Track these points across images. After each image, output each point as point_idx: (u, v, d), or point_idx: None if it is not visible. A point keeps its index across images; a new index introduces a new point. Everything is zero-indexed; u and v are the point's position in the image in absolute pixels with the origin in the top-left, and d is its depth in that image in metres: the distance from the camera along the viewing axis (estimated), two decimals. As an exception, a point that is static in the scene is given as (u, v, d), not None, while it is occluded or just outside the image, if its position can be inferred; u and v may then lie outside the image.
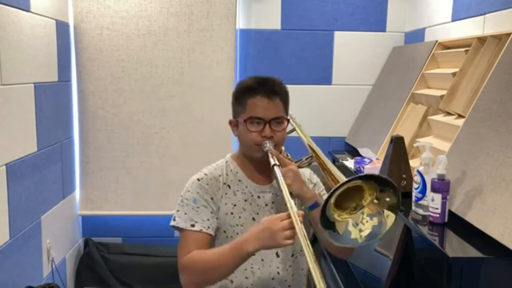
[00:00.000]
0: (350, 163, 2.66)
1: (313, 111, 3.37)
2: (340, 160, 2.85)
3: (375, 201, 1.29)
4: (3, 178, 2.17)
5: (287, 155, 1.72)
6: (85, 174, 3.24)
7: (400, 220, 1.88)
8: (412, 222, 1.75)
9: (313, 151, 1.65)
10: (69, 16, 3.06)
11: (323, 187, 1.72)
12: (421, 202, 1.78)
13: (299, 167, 1.66)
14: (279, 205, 1.62)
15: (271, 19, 3.30)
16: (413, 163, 2.13)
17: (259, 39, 3.31)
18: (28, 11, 2.43)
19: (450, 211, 1.68)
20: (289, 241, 1.30)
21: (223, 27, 3.16)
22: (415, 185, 1.81)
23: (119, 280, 3.20)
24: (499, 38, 2.00)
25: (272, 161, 1.52)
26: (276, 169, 1.50)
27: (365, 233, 1.28)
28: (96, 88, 3.16)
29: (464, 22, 2.42)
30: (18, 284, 2.31)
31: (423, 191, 1.77)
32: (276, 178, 1.49)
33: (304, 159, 1.70)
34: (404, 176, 2.01)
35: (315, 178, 1.74)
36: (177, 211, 1.56)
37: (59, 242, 2.89)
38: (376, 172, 2.21)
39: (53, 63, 2.79)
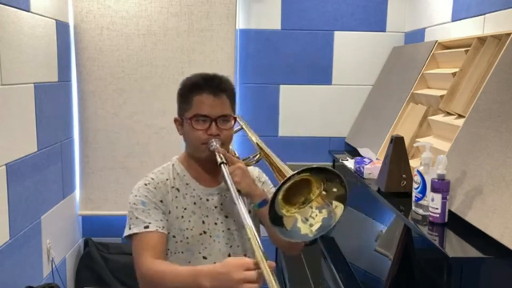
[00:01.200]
0: (350, 163, 2.66)
1: (313, 111, 3.37)
2: (340, 160, 2.85)
3: (324, 192, 1.27)
4: (3, 178, 2.17)
5: (235, 153, 1.72)
6: (85, 174, 3.24)
7: (400, 220, 1.88)
8: (412, 222, 1.75)
9: (261, 148, 1.63)
10: (69, 16, 3.06)
11: (272, 185, 1.71)
12: (421, 202, 1.78)
13: (247, 165, 1.63)
14: (227, 207, 1.59)
15: (271, 19, 3.30)
16: (413, 163, 2.13)
17: (259, 39, 3.31)
18: (28, 11, 2.43)
19: (450, 211, 1.68)
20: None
21: (223, 27, 3.16)
22: (415, 185, 1.81)
23: (119, 280, 3.20)
24: (499, 38, 2.00)
25: (219, 159, 1.49)
26: (223, 167, 1.47)
27: (316, 227, 1.26)
28: (96, 88, 3.16)
29: (464, 22, 2.42)
30: (18, 284, 2.31)
31: (423, 191, 1.77)
32: (224, 176, 1.46)
33: (251, 156, 1.68)
34: (404, 176, 2.01)
35: (264, 177, 1.72)
36: (130, 218, 1.51)
37: (59, 242, 2.89)
38: (376, 172, 2.21)
39: (53, 63, 2.79)
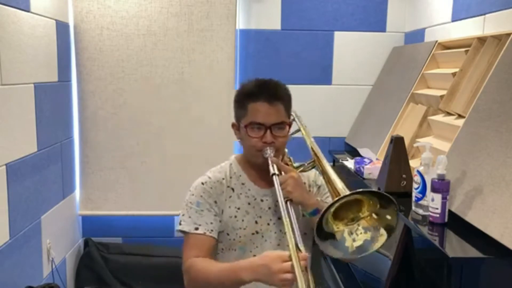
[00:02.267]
0: (350, 163, 2.66)
1: (313, 111, 3.37)
2: (340, 160, 2.85)
3: (375, 216, 1.28)
4: (3, 178, 2.17)
5: (290, 159, 1.70)
6: (85, 174, 3.24)
7: (400, 220, 1.88)
8: (412, 222, 1.75)
9: (316, 155, 1.63)
10: (69, 16, 3.06)
11: (326, 190, 1.69)
12: (421, 202, 1.78)
13: (302, 171, 1.64)
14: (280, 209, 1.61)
15: (271, 19, 3.30)
16: (413, 163, 2.13)
17: (259, 39, 3.31)
18: (28, 11, 2.43)
19: (450, 211, 1.68)
20: (286, 284, 1.27)
21: (223, 27, 3.16)
22: (415, 185, 1.81)
23: (119, 280, 3.20)
24: (499, 38, 2.00)
25: (271, 170, 1.51)
26: (275, 179, 1.49)
27: (357, 243, 1.28)
28: (96, 88, 3.16)
29: (464, 22, 2.42)
30: (18, 284, 2.31)
31: (423, 191, 1.77)
32: (276, 188, 1.48)
33: (306, 164, 1.68)
34: (404, 176, 2.01)
35: (320, 180, 1.72)
36: (182, 215, 1.57)
37: (59, 242, 2.89)
38: (376, 172, 2.21)
39: (53, 63, 2.79)
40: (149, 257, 3.24)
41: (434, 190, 1.67)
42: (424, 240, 1.71)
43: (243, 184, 1.61)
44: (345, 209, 1.28)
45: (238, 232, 1.57)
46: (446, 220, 1.67)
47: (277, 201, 1.57)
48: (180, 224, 1.56)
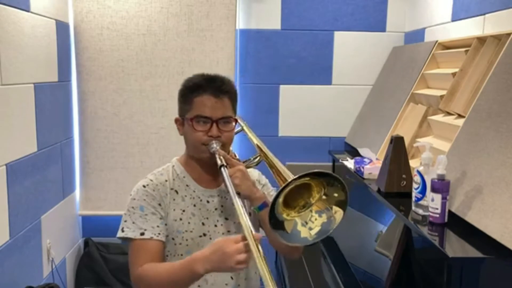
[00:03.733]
0: (350, 163, 2.66)
1: (313, 111, 3.37)
2: (340, 160, 2.85)
3: (324, 197, 1.27)
4: (3, 178, 2.18)
5: (235, 155, 1.70)
6: (85, 174, 3.24)
7: (400, 220, 1.88)
8: (412, 222, 1.75)
9: (261, 150, 1.62)
10: (69, 16, 3.06)
11: (272, 188, 1.70)
12: (421, 202, 1.78)
13: (248, 167, 1.62)
14: (227, 209, 1.58)
15: (271, 19, 3.30)
16: (413, 163, 2.13)
17: (259, 39, 3.31)
18: (28, 11, 2.43)
19: (450, 211, 1.68)
20: (242, 266, 1.25)
21: (223, 27, 3.16)
22: (415, 185, 1.81)
23: (119, 280, 3.20)
24: (499, 38, 2.00)
25: (219, 162, 1.49)
26: (223, 170, 1.47)
27: (315, 230, 1.27)
28: (96, 88, 3.16)
29: (464, 22, 2.42)
30: (18, 284, 2.31)
31: (423, 191, 1.77)
32: (224, 179, 1.46)
33: (252, 158, 1.67)
34: (404, 176, 2.01)
35: (264, 179, 1.71)
36: (125, 221, 1.51)
37: (59, 242, 2.89)
38: (376, 172, 2.21)
39: (53, 63, 2.79)
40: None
41: (434, 190, 1.67)
42: (424, 240, 1.71)
43: (187, 185, 1.57)
44: (296, 197, 1.27)
45: (184, 235, 1.53)
46: (446, 220, 1.67)
47: (225, 199, 1.57)
48: (122, 231, 1.50)
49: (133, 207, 1.52)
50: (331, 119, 3.40)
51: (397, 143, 2.04)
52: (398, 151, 2.03)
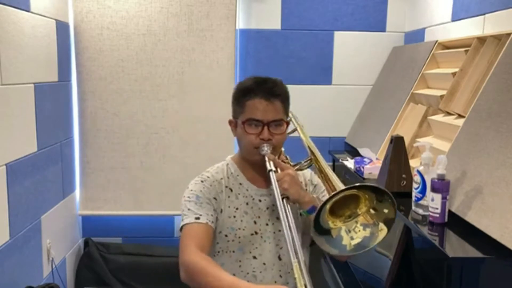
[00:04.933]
0: (350, 163, 2.66)
1: (313, 111, 3.37)
2: (340, 160, 2.85)
3: (372, 211, 1.27)
4: (3, 178, 2.17)
5: (286, 158, 1.69)
6: (85, 174, 3.24)
7: (400, 220, 1.88)
8: (412, 222, 1.75)
9: (312, 153, 1.63)
10: (69, 16, 3.06)
11: (324, 189, 1.70)
12: (421, 202, 1.78)
13: (299, 170, 1.64)
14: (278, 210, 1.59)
15: (271, 19, 3.30)
16: (413, 163, 2.13)
17: (259, 39, 3.31)
18: (28, 11, 2.43)
19: (450, 211, 1.68)
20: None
21: (223, 27, 3.16)
22: (415, 185, 1.81)
23: (119, 280, 3.20)
24: (499, 38, 2.00)
25: (268, 166, 1.50)
26: (272, 174, 1.48)
27: (356, 241, 1.28)
28: (96, 88, 3.16)
29: (464, 22, 2.42)
30: (18, 284, 2.31)
31: (423, 191, 1.77)
32: (272, 184, 1.47)
33: (303, 162, 1.67)
34: (404, 176, 2.01)
35: (316, 179, 1.72)
36: (182, 211, 1.54)
37: (59, 242, 2.89)
38: (376, 172, 2.21)
39: (53, 63, 2.79)
40: (149, 257, 3.24)
41: (434, 190, 1.67)
42: (424, 240, 1.71)
43: (240, 184, 1.60)
44: (343, 206, 1.28)
45: (237, 233, 1.56)
46: (446, 220, 1.67)
47: (275, 201, 1.55)
48: (182, 220, 1.53)
49: (189, 197, 1.54)
50: (331, 119, 3.40)
51: (397, 143, 2.04)
52: (398, 151, 2.03)
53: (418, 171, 1.79)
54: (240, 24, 3.28)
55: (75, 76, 3.15)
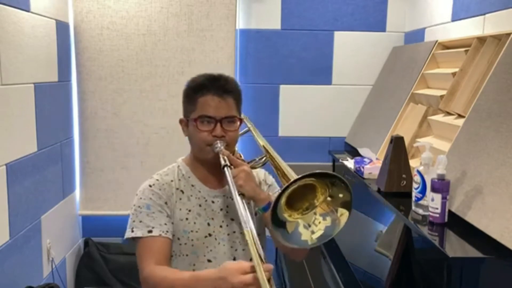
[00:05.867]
0: (350, 163, 2.66)
1: (313, 111, 3.37)
2: (340, 160, 2.85)
3: (329, 199, 1.25)
4: (3, 178, 2.18)
5: (240, 156, 1.68)
6: (85, 174, 3.24)
7: (400, 220, 1.88)
8: (412, 222, 1.75)
9: (267, 151, 1.61)
10: (69, 16, 3.06)
11: (278, 188, 1.67)
12: (421, 202, 1.78)
13: (253, 167, 1.61)
14: (233, 209, 1.57)
15: (271, 19, 3.30)
16: (413, 163, 2.13)
17: (259, 39, 3.31)
18: (28, 11, 2.43)
19: (450, 211, 1.68)
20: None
21: (223, 27, 3.16)
22: (415, 185, 1.81)
23: (119, 280, 3.20)
24: (499, 38, 2.00)
25: (222, 162, 1.47)
26: (227, 170, 1.45)
27: (317, 234, 1.25)
28: (96, 88, 3.16)
29: (464, 22, 2.42)
30: (18, 284, 2.31)
31: (423, 191, 1.77)
32: (227, 180, 1.45)
33: (257, 159, 1.65)
34: (404, 176, 2.01)
35: (270, 179, 1.70)
36: (133, 221, 1.51)
37: (59, 242, 2.89)
38: (376, 172, 2.21)
39: (53, 63, 2.79)
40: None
41: (434, 190, 1.67)
42: (424, 240, 1.71)
43: (192, 185, 1.57)
44: (300, 198, 1.25)
45: (190, 235, 1.52)
46: (446, 220, 1.67)
47: (230, 200, 1.55)
48: (132, 231, 1.49)
49: (139, 206, 1.51)
50: (331, 119, 3.40)
51: (397, 143, 2.04)
52: (398, 151, 2.03)
53: (418, 171, 1.79)
54: (240, 24, 3.28)
55: (75, 76, 3.15)
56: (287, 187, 1.19)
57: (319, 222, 1.26)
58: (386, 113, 2.84)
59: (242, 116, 1.64)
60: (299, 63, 3.34)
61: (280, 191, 1.20)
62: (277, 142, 3.32)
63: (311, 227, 1.26)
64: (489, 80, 1.86)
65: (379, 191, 2.08)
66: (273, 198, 1.46)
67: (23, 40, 2.36)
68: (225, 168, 1.46)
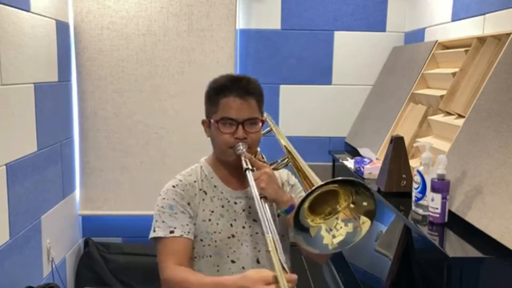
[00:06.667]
0: (350, 163, 2.66)
1: (313, 111, 3.37)
2: (340, 160, 2.85)
3: (352, 205, 1.25)
4: (3, 178, 2.17)
5: (263, 157, 1.67)
6: (85, 174, 3.24)
7: (400, 220, 1.88)
8: (412, 222, 1.75)
9: (289, 152, 1.59)
10: (69, 16, 3.06)
11: (301, 188, 1.66)
12: (421, 202, 1.78)
13: (275, 169, 1.60)
14: (255, 211, 1.53)
15: (271, 19, 3.30)
16: (413, 163, 2.13)
17: (259, 39, 3.31)
18: (28, 11, 2.43)
19: (450, 211, 1.68)
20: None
21: (223, 27, 3.16)
22: (415, 185, 1.81)
23: (119, 280, 3.20)
24: (499, 38, 2.00)
25: (244, 165, 1.46)
26: (249, 173, 1.44)
27: (338, 239, 1.24)
28: (96, 88, 3.16)
29: (464, 22, 2.42)
30: (18, 284, 2.31)
31: (423, 191, 1.77)
32: (249, 183, 1.43)
33: (280, 160, 1.64)
34: (404, 176, 2.01)
35: (293, 179, 1.69)
36: (155, 221, 1.51)
37: (59, 242, 2.89)
38: (376, 172, 2.21)
39: (53, 63, 2.79)
40: (149, 257, 3.24)
41: (434, 190, 1.67)
42: (424, 240, 1.71)
43: (215, 186, 1.56)
44: (322, 203, 1.25)
45: (213, 237, 1.51)
46: (446, 220, 1.67)
47: (251, 203, 1.54)
48: (154, 231, 1.49)
49: (162, 207, 1.51)
50: (331, 119, 3.40)
51: (397, 143, 2.04)
52: (398, 151, 2.03)
53: (418, 171, 1.79)
54: (240, 24, 3.28)
55: (75, 76, 3.15)
56: (310, 193, 1.19)
57: (341, 227, 1.25)
58: (386, 113, 2.84)
59: (265, 115, 1.63)
60: (299, 63, 3.34)
61: (302, 197, 1.20)
62: (277, 142, 3.31)
63: (333, 231, 1.25)
64: (489, 80, 1.86)
65: (379, 191, 2.08)
66: (296, 201, 1.47)
67: (23, 40, 2.36)
68: (247, 171, 1.45)
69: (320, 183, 1.20)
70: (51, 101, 2.74)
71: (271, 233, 1.25)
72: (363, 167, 2.37)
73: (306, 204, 1.21)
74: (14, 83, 2.28)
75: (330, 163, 3.27)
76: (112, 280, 3.19)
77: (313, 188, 1.19)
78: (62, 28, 2.90)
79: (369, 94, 3.37)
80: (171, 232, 1.47)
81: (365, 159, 2.45)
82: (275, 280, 1.17)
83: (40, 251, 2.61)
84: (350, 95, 3.39)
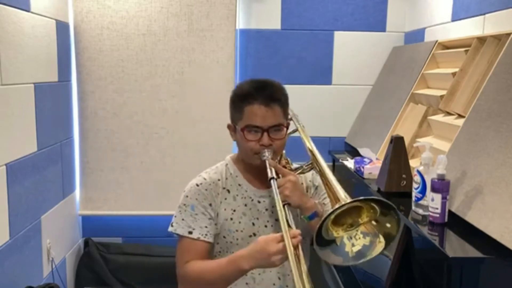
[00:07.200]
0: (350, 163, 2.66)
1: (313, 111, 3.37)
2: (340, 160, 2.85)
3: (374, 222, 1.25)
4: (3, 178, 2.17)
5: (288, 161, 1.67)
6: (85, 174, 3.24)
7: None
8: (412, 222, 1.75)
9: (314, 157, 1.59)
10: (69, 16, 3.06)
11: (324, 191, 1.66)
12: (421, 202, 1.78)
13: (301, 173, 1.61)
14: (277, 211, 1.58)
15: (271, 19, 3.30)
16: (413, 163, 2.13)
17: (259, 39, 3.31)
18: (28, 11, 2.43)
19: (450, 211, 1.68)
20: (284, 261, 1.30)
21: (223, 27, 3.16)
22: (415, 185, 1.81)
23: (119, 280, 3.20)
24: (499, 38, 2.00)
25: (269, 174, 1.47)
26: (273, 183, 1.45)
27: (356, 248, 1.26)
28: (96, 88, 3.16)
29: (464, 22, 2.42)
30: (18, 284, 2.31)
31: (423, 191, 1.77)
32: (273, 192, 1.44)
33: (304, 165, 1.64)
34: (404, 176, 2.01)
35: (318, 180, 1.69)
36: (175, 216, 1.55)
37: (59, 242, 2.89)
38: (376, 172, 2.21)
39: (53, 63, 2.79)
40: (149, 257, 3.25)
41: (434, 190, 1.67)
42: (424, 240, 1.71)
43: (239, 185, 1.58)
44: (344, 215, 1.25)
45: (235, 235, 1.54)
46: (446, 220, 1.67)
47: (274, 203, 1.53)
48: (172, 225, 1.54)
49: (184, 205, 1.54)
50: (331, 119, 3.40)
51: (397, 143, 2.04)
52: (398, 151, 2.03)
53: (418, 171, 1.79)
54: (240, 24, 3.28)
55: (75, 76, 3.15)
56: (335, 210, 1.20)
57: (359, 238, 1.27)
58: (386, 113, 2.84)
59: (291, 113, 1.64)
60: (299, 63, 3.34)
61: (326, 215, 1.21)
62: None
63: (352, 239, 1.27)
64: (489, 80, 1.86)
65: (379, 191, 2.08)
66: (319, 207, 1.51)
67: (23, 40, 2.36)
68: (272, 181, 1.47)
69: (343, 196, 1.22)
70: (51, 101, 2.74)
71: (284, 220, 1.36)
72: (363, 167, 2.37)
73: (330, 219, 1.22)
74: (14, 83, 2.28)
75: (330, 163, 3.27)
76: (112, 280, 3.19)
77: (336, 207, 1.20)
78: (62, 28, 2.90)
79: (369, 94, 3.37)
80: (190, 232, 1.51)
81: (365, 159, 2.45)
82: (283, 239, 1.30)
83: (40, 251, 2.61)
84: (350, 95, 3.39)
